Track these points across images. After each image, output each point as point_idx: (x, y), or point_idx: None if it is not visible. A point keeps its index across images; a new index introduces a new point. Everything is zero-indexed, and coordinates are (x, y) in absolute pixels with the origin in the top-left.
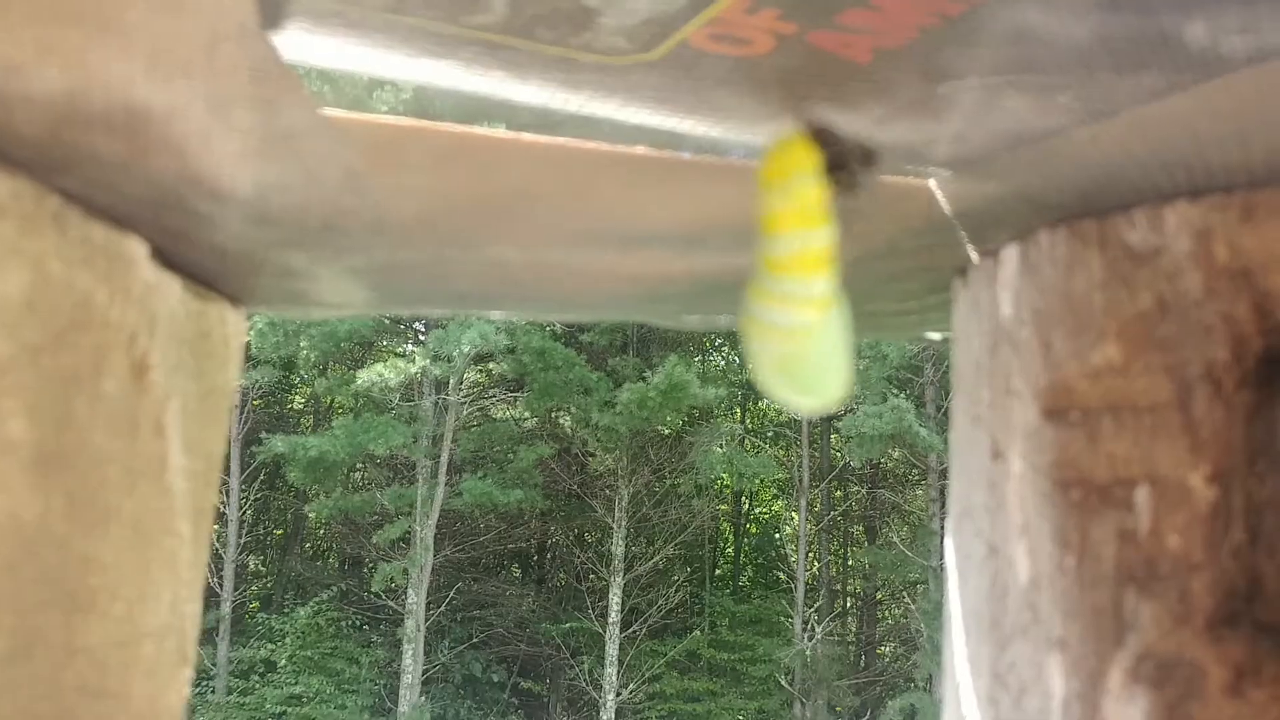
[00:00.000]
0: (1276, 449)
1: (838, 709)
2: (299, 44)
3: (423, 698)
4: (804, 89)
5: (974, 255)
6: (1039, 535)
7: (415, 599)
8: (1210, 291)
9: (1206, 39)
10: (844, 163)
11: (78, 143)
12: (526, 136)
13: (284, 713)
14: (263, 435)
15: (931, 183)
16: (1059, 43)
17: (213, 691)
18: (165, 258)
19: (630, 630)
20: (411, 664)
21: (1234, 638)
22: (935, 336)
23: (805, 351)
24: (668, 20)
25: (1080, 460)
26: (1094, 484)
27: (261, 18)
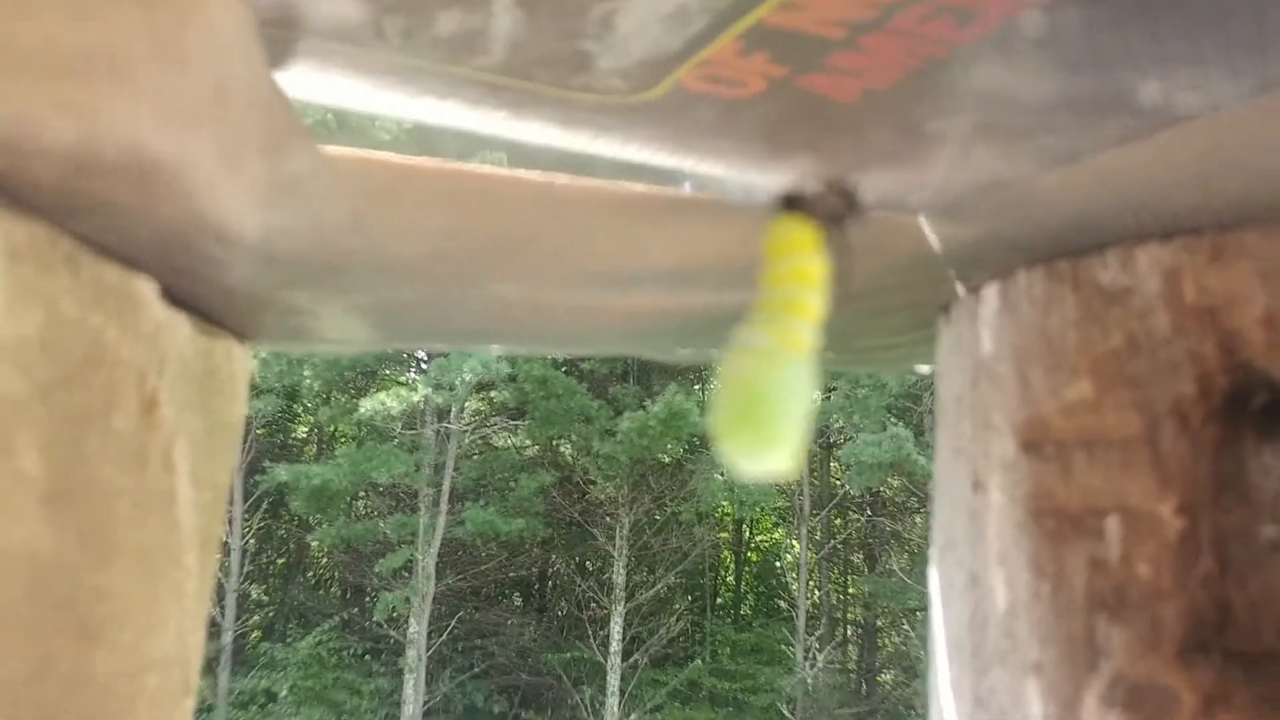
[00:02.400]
0: (1243, 482)
1: None
2: (304, 84)
3: None
4: (794, 131)
5: (960, 291)
6: (1016, 564)
7: (417, 628)
8: (1179, 330)
9: (1161, 95)
10: (833, 218)
11: (91, 190)
12: (525, 175)
13: None
14: (266, 464)
15: (920, 220)
16: (1023, 97)
17: None
18: (174, 296)
19: (632, 659)
20: (413, 694)
21: (1204, 664)
22: (924, 370)
23: (768, 384)
24: (662, 62)
25: (1054, 492)
26: (1067, 514)
27: (267, 62)
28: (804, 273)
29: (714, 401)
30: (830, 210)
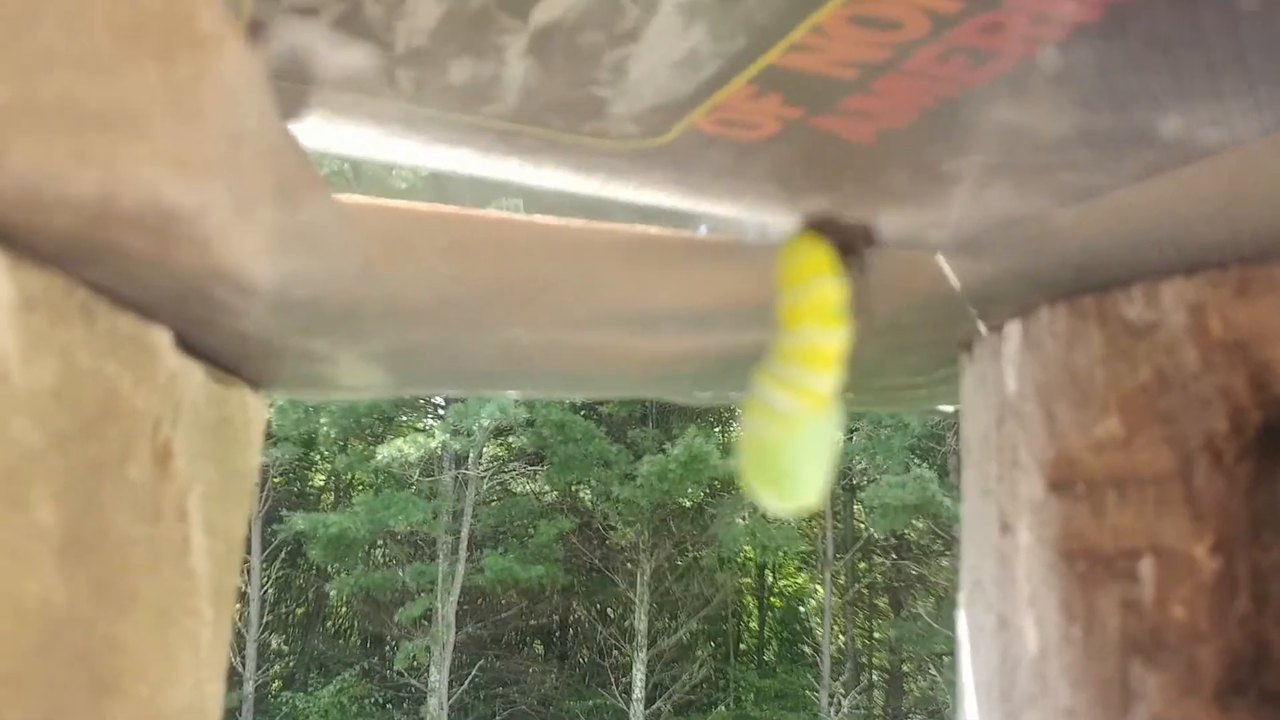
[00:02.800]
0: (1278, 519)
1: None
2: (318, 134)
3: None
4: (809, 171)
5: (982, 329)
6: (1046, 606)
7: (438, 677)
8: (1207, 365)
9: (1182, 131)
10: (851, 249)
11: (108, 240)
12: (539, 219)
13: None
14: (283, 513)
15: (939, 258)
16: (1041, 134)
17: None
18: (188, 345)
19: (654, 707)
20: None
21: (1241, 706)
22: (947, 409)
23: (791, 443)
24: (676, 107)
25: (1085, 532)
26: (1099, 555)
27: (281, 113)
28: (823, 304)
29: (738, 452)
30: (849, 238)
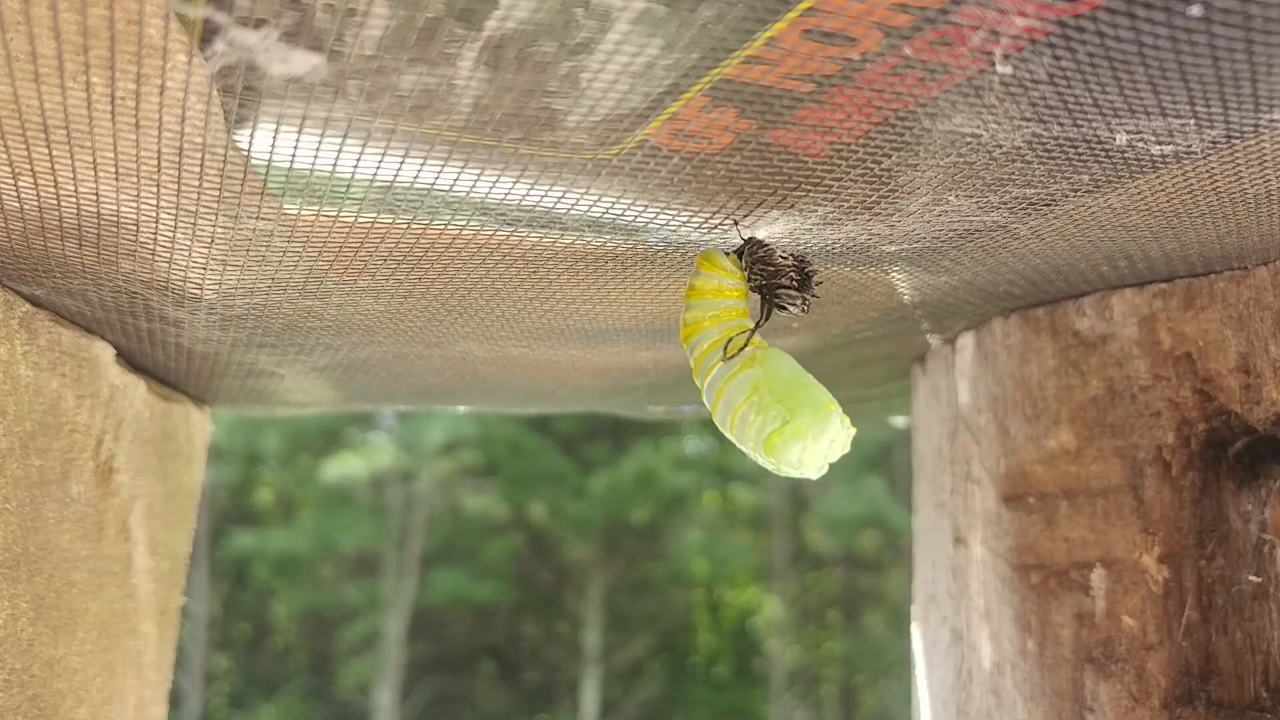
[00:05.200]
0: (1224, 529)
1: None
2: (265, 145)
3: None
4: (764, 184)
5: (933, 342)
6: (1001, 620)
7: (385, 696)
8: (1156, 377)
9: (1130, 144)
10: (776, 285)
11: (48, 251)
12: (488, 233)
13: None
14: (230, 530)
15: (892, 271)
16: (995, 148)
17: None
18: (130, 360)
19: None
20: None
21: (1190, 715)
22: (899, 422)
23: (774, 375)
24: (629, 119)
25: (1038, 544)
26: (1052, 568)
27: (227, 124)
28: (726, 317)
29: (739, 433)
30: (788, 277)
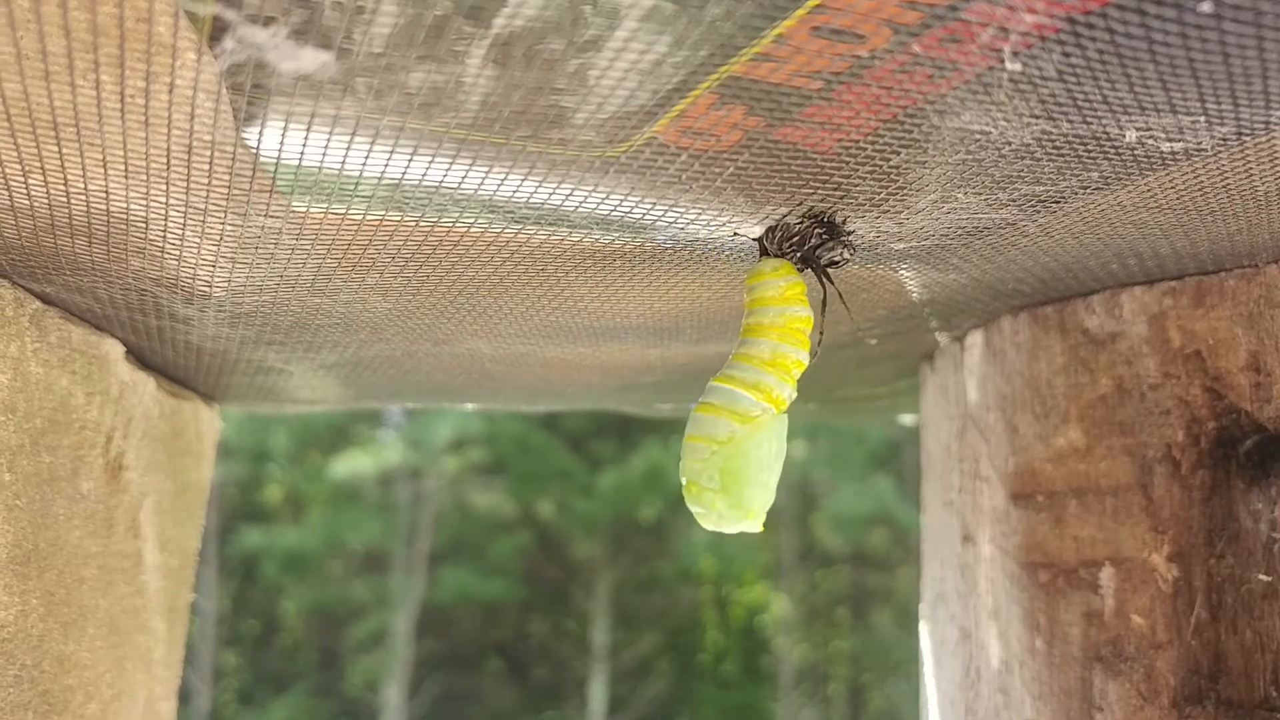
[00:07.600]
0: (1234, 527)
1: None
2: (275, 143)
3: None
4: (772, 182)
5: (942, 340)
6: (1009, 618)
7: (393, 693)
8: (1166, 375)
9: (1140, 141)
10: (816, 256)
11: (58, 248)
12: (496, 230)
13: None
14: (239, 527)
15: (901, 268)
16: (1004, 145)
17: None
18: (140, 357)
19: None
20: None
21: (1200, 715)
22: (907, 420)
23: (745, 449)
24: (638, 116)
25: (1047, 543)
26: (1061, 566)
27: (237, 122)
28: (791, 329)
29: (684, 458)
30: (811, 244)
